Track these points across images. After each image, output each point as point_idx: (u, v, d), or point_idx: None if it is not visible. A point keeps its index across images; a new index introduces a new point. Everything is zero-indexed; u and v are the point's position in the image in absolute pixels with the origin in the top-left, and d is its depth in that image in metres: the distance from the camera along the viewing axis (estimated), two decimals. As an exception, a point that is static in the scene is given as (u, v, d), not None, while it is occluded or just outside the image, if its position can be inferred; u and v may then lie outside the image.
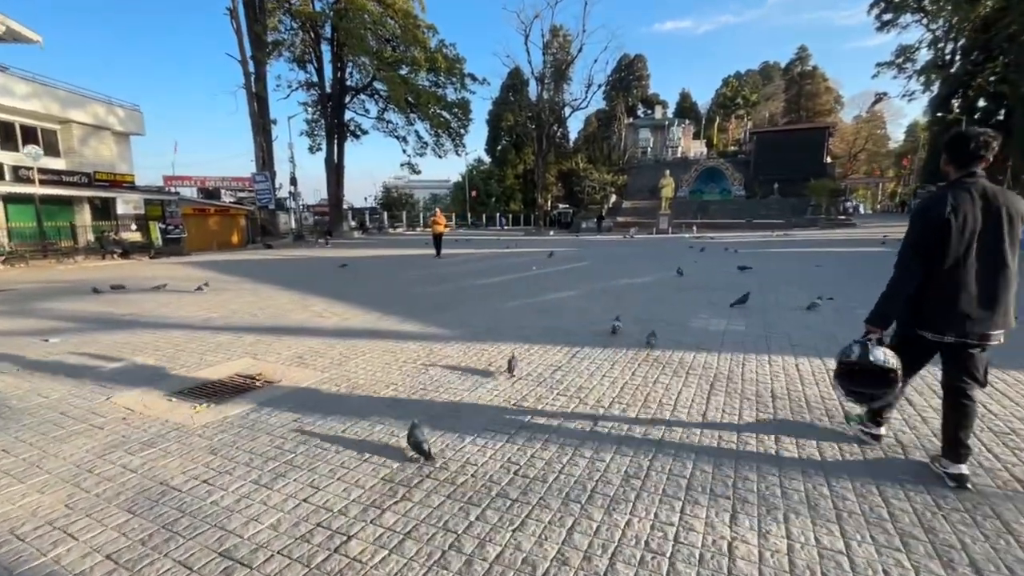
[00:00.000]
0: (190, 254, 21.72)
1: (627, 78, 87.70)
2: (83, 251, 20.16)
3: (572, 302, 7.69)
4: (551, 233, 38.05)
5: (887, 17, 52.96)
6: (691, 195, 48.85)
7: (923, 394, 3.61)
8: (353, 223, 42.68)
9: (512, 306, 7.51)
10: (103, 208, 23.64)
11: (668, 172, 35.93)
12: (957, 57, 44.88)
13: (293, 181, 32.21)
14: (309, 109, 38.94)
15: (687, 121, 75.00)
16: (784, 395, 3.67)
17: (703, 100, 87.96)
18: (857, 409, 3.01)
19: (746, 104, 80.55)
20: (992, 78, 40.05)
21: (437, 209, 18.42)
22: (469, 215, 55.18)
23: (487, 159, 64.51)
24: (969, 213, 2.30)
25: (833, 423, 3.19)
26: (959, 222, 2.30)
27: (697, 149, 68.74)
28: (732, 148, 67.03)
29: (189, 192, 37.09)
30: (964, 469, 2.45)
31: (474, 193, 56.93)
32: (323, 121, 36.51)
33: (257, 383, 4.15)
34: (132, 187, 24.82)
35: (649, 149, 69.21)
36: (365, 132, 41.97)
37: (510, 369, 4.26)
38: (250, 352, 5.11)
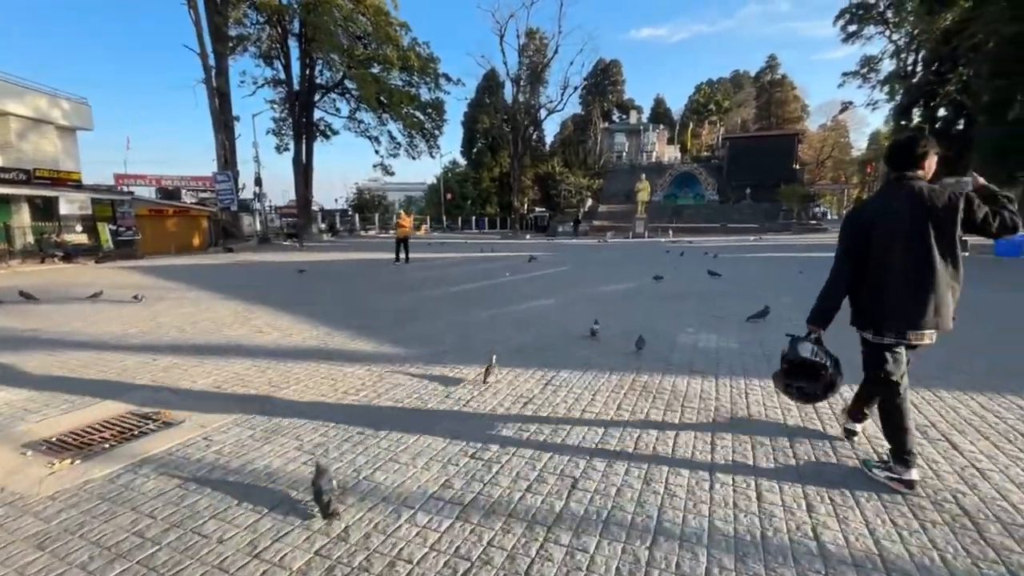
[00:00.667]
0: (144, 257, 20.28)
1: (603, 83, 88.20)
2: (20, 254, 18.52)
3: (550, 313, 6.99)
4: (527, 237, 37.46)
5: (852, 28, 54.48)
6: (665, 199, 49.12)
7: (959, 429, 3.03)
8: (323, 225, 41.25)
9: (484, 318, 6.76)
10: (45, 208, 21.86)
11: (644, 176, 35.81)
12: (919, 67, 46.32)
13: (258, 181, 30.77)
14: (276, 107, 37.40)
15: (661, 126, 75.69)
16: (800, 431, 3.03)
17: (676, 106, 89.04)
18: (873, 456, 2.75)
19: (718, 110, 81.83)
20: (952, 88, 41.40)
21: (401, 211, 16.37)
22: (445, 218, 54.28)
23: (463, 161, 63.72)
24: (895, 216, 2.36)
25: (869, 471, 2.54)
26: (883, 225, 2.37)
27: (671, 154, 69.35)
28: (705, 153, 67.90)
29: (146, 192, 35.11)
30: (915, 474, 2.44)
31: (449, 196, 56.03)
32: (291, 120, 35.09)
33: (152, 424, 3.29)
34: (78, 185, 23.07)
35: (624, 153, 69.51)
36: (336, 132, 40.65)
37: (486, 377, 3.84)
38: (159, 380, 4.22)
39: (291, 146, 35.62)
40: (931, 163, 2.43)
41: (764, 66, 70.87)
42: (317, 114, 38.46)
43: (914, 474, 2.41)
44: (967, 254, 15.44)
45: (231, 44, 32.11)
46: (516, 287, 9.76)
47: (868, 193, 72.18)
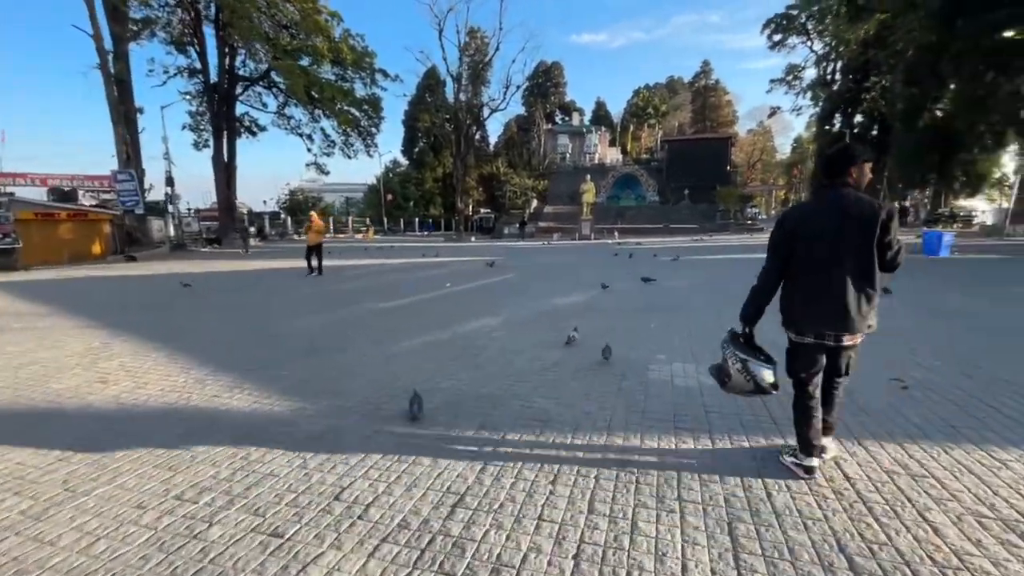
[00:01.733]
0: (27, 269, 17.21)
1: (545, 84, 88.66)
2: None
3: (496, 337, 5.82)
4: (472, 239, 36.21)
5: (777, 38, 57.50)
6: (609, 201, 49.66)
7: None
8: (252, 229, 38.00)
9: (414, 346, 5.50)
10: None
11: (589, 177, 35.53)
12: (838, 76, 49.43)
13: (169, 181, 27.50)
14: (193, 100, 33.95)
15: (603, 128, 76.82)
16: (862, 555, 2.05)
17: (616, 109, 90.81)
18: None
19: (656, 114, 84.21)
20: (869, 96, 44.34)
21: (312, 213, 14.77)
22: (386, 220, 51.97)
23: (405, 161, 61.49)
24: (818, 220, 2.48)
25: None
26: (807, 228, 2.50)
27: (613, 156, 70.42)
28: (645, 156, 69.51)
29: (34, 193, 30.62)
30: (815, 461, 2.65)
31: (390, 197, 53.72)
32: (209, 114, 31.89)
33: None
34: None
35: (568, 155, 69.86)
36: (263, 128, 37.63)
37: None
38: None
39: (211, 143, 32.42)
40: (860, 172, 2.49)
41: (699, 71, 73.58)
42: (241, 108, 35.39)
43: (814, 462, 2.65)
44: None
45: (135, 27, 28.75)
46: (457, 301, 8.53)
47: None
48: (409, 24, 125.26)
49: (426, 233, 52.96)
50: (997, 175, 29.66)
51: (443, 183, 58.22)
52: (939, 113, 30.51)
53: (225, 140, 32.56)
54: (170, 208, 28.31)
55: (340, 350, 5.40)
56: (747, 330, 2.77)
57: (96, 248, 23.20)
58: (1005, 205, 26.40)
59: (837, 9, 39.04)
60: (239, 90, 33.64)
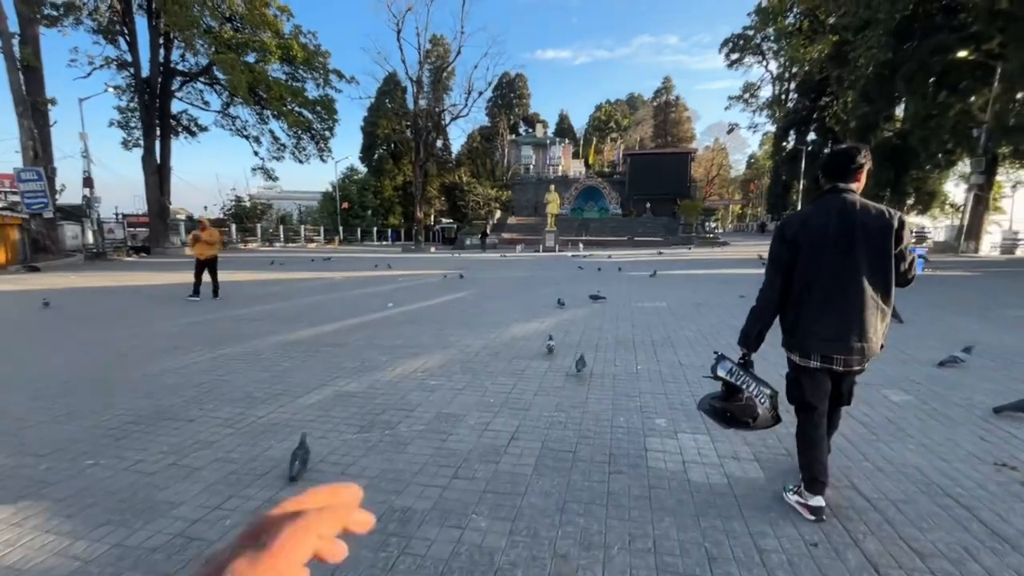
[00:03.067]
0: None
1: (508, 95, 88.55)
2: None
3: (431, 389, 4.32)
4: (432, 250, 34.53)
5: (735, 56, 59.16)
6: (572, 212, 49.31)
7: None
8: (187, 237, 34.92)
9: (310, 407, 3.91)
10: None
11: (553, 187, 34.61)
12: (793, 95, 51.09)
13: (88, 182, 24.55)
14: (123, 94, 30.92)
15: (567, 141, 76.95)
16: None
17: (579, 123, 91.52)
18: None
19: (618, 128, 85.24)
20: (822, 115, 45.78)
21: (203, 218, 11.89)
22: (341, 230, 49.45)
23: (363, 168, 59.20)
24: (823, 229, 2.23)
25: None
26: (810, 238, 2.25)
27: (576, 168, 70.41)
28: (607, 169, 69.69)
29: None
30: (821, 501, 2.34)
31: (346, 205, 51.29)
32: (140, 110, 28.99)
33: None
34: None
35: (531, 166, 69.43)
36: (204, 128, 34.78)
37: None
38: None
39: (142, 142, 29.46)
40: (864, 177, 2.31)
41: (660, 87, 74.89)
42: (179, 106, 32.59)
43: (820, 500, 2.32)
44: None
45: (57, 12, 25.87)
46: (394, 329, 6.96)
47: (751, 209, 78.98)
48: (366, 26, 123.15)
49: (384, 243, 50.80)
50: (946, 193, 30.65)
51: (403, 191, 56.27)
52: (889, 131, 31.39)
53: (158, 139, 29.73)
54: (91, 213, 25.29)
55: (193, 416, 3.74)
56: (746, 356, 2.46)
57: (1, 256, 20.29)
58: (955, 222, 27.08)
59: (796, 29, 40.24)
60: (176, 85, 30.93)
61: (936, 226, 30.91)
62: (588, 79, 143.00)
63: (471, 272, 16.10)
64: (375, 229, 54.01)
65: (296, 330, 6.84)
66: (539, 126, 79.96)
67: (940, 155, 23.64)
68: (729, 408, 2.42)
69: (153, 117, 28.82)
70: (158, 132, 29.57)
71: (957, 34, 22.23)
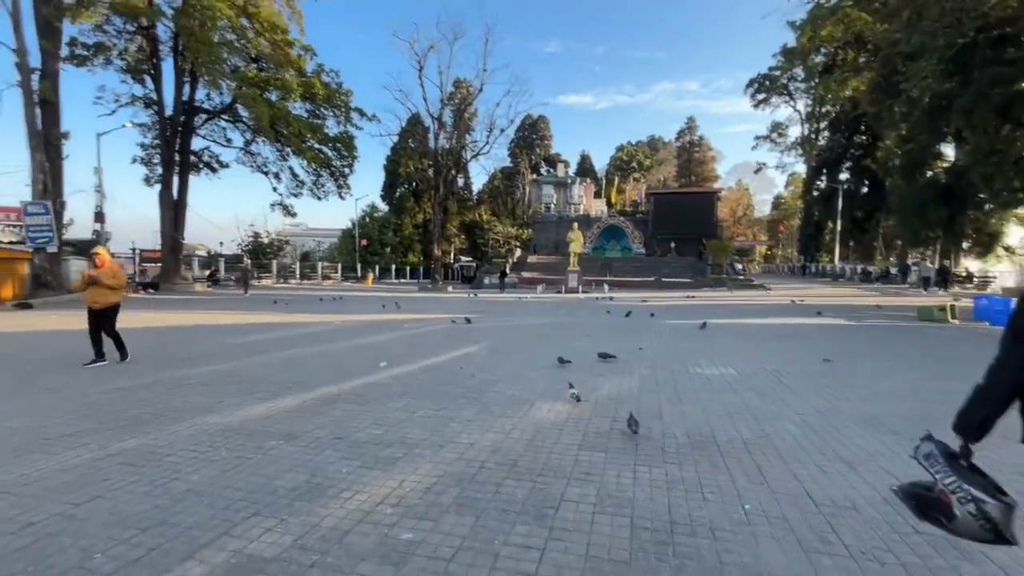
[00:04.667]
0: None
1: (530, 137, 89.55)
2: None
3: (407, 559, 2.48)
4: (450, 289, 33.00)
5: (760, 97, 58.33)
6: (594, 252, 48.00)
7: None
8: (202, 274, 34.31)
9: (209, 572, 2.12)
10: None
11: (576, 225, 33.17)
12: (824, 134, 49.54)
13: (99, 217, 24.07)
14: (147, 132, 31.11)
15: (588, 180, 76.56)
16: None
17: (600, 163, 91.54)
18: None
19: (640, 168, 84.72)
20: (857, 152, 43.89)
21: (99, 250, 8.05)
22: (359, 267, 48.73)
23: (383, 206, 59.20)
24: None
25: None
26: None
27: (598, 208, 69.64)
28: (630, 208, 68.53)
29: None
30: None
31: (364, 242, 50.77)
32: (162, 146, 28.89)
33: None
34: None
35: (552, 205, 68.93)
36: (225, 165, 34.76)
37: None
38: None
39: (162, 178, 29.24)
40: None
41: (684, 127, 74.42)
42: (201, 143, 32.67)
43: None
44: (957, 322, 13.06)
45: (88, 52, 26.34)
46: (374, 406, 5.18)
47: (780, 250, 76.26)
48: (389, 64, 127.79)
49: (403, 281, 49.83)
50: (1011, 234, 28.07)
51: (423, 229, 55.75)
52: (942, 167, 29.27)
53: (177, 175, 29.52)
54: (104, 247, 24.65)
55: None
56: (966, 447, 1.81)
57: (9, 291, 19.67)
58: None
59: (829, 65, 39.04)
60: (199, 122, 30.99)
61: (1005, 270, 28.14)
62: (610, 123, 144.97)
63: (488, 317, 14.35)
64: (394, 267, 53.27)
65: (245, 405, 5.10)
66: (560, 166, 79.99)
67: (1006, 192, 21.44)
68: (922, 496, 1.85)
69: (173, 153, 28.67)
70: (177, 168, 29.43)
71: (1017, 66, 20.46)
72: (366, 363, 7.30)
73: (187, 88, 29.12)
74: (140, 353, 7.85)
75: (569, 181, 70.43)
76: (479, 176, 74.85)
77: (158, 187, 29.16)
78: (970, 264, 30.39)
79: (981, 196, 25.61)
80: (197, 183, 33.11)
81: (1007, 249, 31.27)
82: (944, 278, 20.74)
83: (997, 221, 27.04)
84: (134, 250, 31.30)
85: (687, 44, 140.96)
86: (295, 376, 6.45)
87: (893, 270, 33.51)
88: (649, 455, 3.71)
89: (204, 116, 31.23)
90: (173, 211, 28.64)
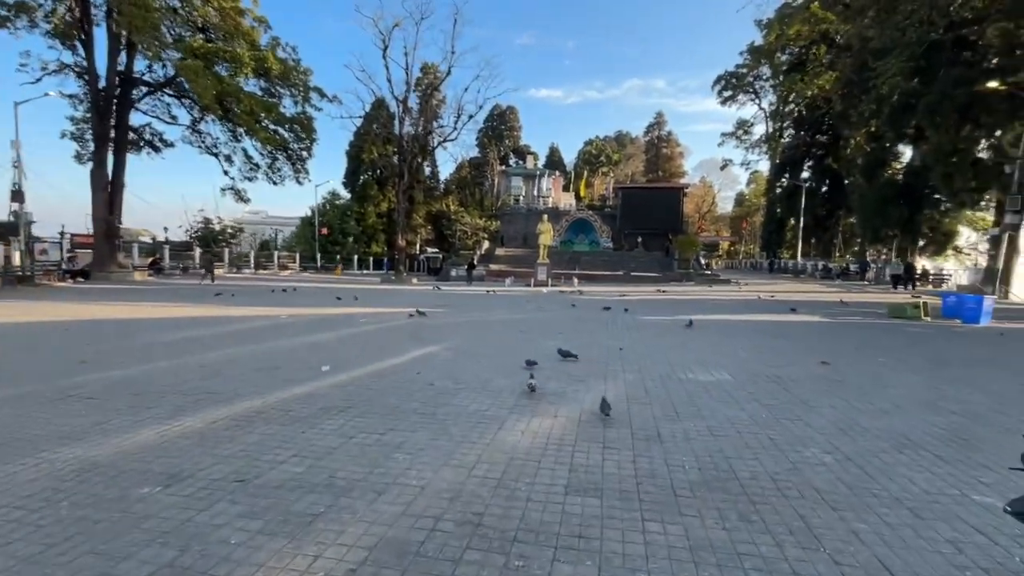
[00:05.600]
0: None
1: (499, 127, 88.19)
2: None
3: None
4: (414, 281, 31.61)
5: (727, 94, 58.96)
6: (562, 245, 47.53)
7: None
8: (144, 262, 31.60)
9: None
10: None
11: (546, 217, 32.36)
12: (789, 132, 50.44)
13: (17, 196, 21.49)
14: (79, 104, 28.26)
15: (557, 173, 76.01)
16: None
17: (570, 157, 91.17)
18: None
19: (609, 162, 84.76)
20: (818, 152, 44.83)
21: None
22: (319, 257, 46.52)
23: (346, 193, 56.74)
24: None
25: None
26: None
27: (566, 201, 69.29)
28: (598, 202, 68.46)
29: None
30: None
31: (324, 231, 48.48)
32: (93, 120, 26.21)
33: None
34: None
35: (521, 197, 68.14)
36: (169, 144, 32.08)
37: None
38: None
39: (93, 155, 26.55)
40: None
41: (652, 122, 74.70)
42: (142, 119, 29.96)
43: None
44: (928, 319, 12.91)
45: (8, 11, 23.53)
46: (301, 427, 4.12)
47: (743, 246, 77.95)
48: (352, 43, 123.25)
49: (365, 272, 47.91)
50: (965, 233, 29.04)
51: (387, 219, 53.72)
52: (900, 168, 29.97)
53: (112, 153, 26.92)
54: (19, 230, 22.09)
55: None
56: None
57: None
58: (979, 264, 25.24)
59: (794, 64, 39.54)
60: (138, 96, 28.33)
61: (957, 269, 29.09)
62: (579, 117, 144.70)
63: (453, 312, 13.28)
64: (356, 257, 51.19)
65: (129, 428, 3.92)
66: (530, 158, 79.12)
67: (965, 193, 21.94)
68: None
69: (107, 128, 26.06)
70: (112, 145, 26.82)
71: (976, 68, 20.83)
72: (306, 367, 6.16)
73: (124, 57, 26.54)
74: (26, 354, 6.44)
75: (538, 173, 69.71)
76: (447, 164, 72.96)
77: (91, 165, 26.49)
78: (924, 262, 31.37)
79: (937, 196, 26.26)
80: (138, 163, 30.51)
81: (956, 249, 32.49)
82: (911, 276, 21.10)
83: (951, 221, 27.89)
84: (62, 234, 28.43)
85: (656, 42, 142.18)
86: (212, 385, 5.26)
87: (852, 267, 34.32)
88: (659, 502, 2.82)
89: (144, 89, 28.57)
90: (107, 192, 26.09)
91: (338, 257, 47.37)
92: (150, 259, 32.24)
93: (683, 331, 9.49)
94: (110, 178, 26.43)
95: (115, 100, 26.27)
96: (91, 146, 27.11)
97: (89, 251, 27.82)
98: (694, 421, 4.29)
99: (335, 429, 3.98)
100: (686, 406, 4.74)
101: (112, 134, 26.64)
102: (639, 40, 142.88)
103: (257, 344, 7.80)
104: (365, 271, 48.85)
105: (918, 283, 21.25)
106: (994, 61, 20.65)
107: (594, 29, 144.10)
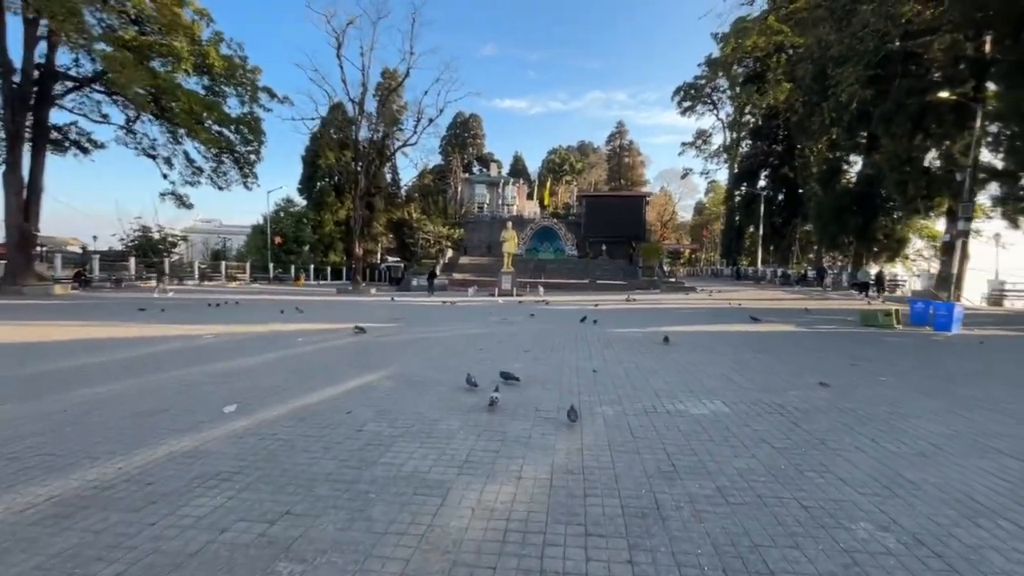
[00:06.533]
0: None
1: (462, 135, 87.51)
2: None
3: None
4: (373, 291, 29.97)
5: (686, 105, 60.15)
6: (527, 253, 47.11)
7: None
8: (64, 272, 28.62)
9: None
10: None
11: (511, 225, 31.47)
12: (747, 142, 51.71)
13: (-94, 199, 18.77)
14: (-10, 99, 25.33)
15: (521, 181, 75.69)
16: None
17: (534, 166, 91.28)
18: None
19: (572, 171, 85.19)
20: (774, 161, 45.96)
21: None
22: (272, 267, 44.03)
23: (301, 200, 54.25)
24: None
25: None
26: None
27: (531, 209, 69.00)
28: (562, 211, 68.45)
29: None
30: None
31: (278, 240, 46.00)
32: (6, 117, 23.50)
33: None
34: None
35: (485, 205, 67.40)
36: (100, 145, 29.33)
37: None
38: None
39: (6, 157, 23.79)
40: None
41: (614, 131, 75.45)
42: (67, 117, 27.27)
43: None
44: (901, 327, 12.61)
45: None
46: (146, 528, 2.90)
47: (704, 254, 79.58)
48: (306, 41, 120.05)
49: (322, 282, 45.70)
50: (916, 240, 29.94)
51: (346, 227, 51.58)
52: (854, 177, 30.72)
53: (29, 154, 24.25)
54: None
55: None
56: None
57: None
58: (932, 271, 25.94)
59: (751, 76, 40.44)
60: (61, 91, 25.73)
61: (911, 275, 29.92)
62: (543, 127, 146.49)
63: (406, 327, 12.03)
64: (312, 267, 48.86)
65: None
66: (493, 166, 78.58)
67: (919, 200, 22.47)
68: None
69: (22, 127, 23.42)
70: (30, 145, 24.16)
71: (924, 79, 21.41)
72: (205, 408, 4.85)
73: (43, 47, 24.03)
74: None
75: (502, 181, 69.16)
76: (407, 170, 71.32)
77: (2, 168, 23.73)
78: (876, 269, 32.22)
79: (891, 204, 26.92)
80: (63, 165, 27.75)
81: (905, 257, 33.63)
82: (882, 283, 21.27)
83: (903, 228, 28.73)
84: (-29, 243, 25.36)
85: (617, 57, 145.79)
86: (58, 441, 3.91)
87: (810, 273, 34.99)
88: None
89: (70, 84, 26.00)
90: (22, 197, 23.40)
91: (296, 267, 45.04)
92: (75, 271, 29.27)
93: (660, 347, 8.61)
94: (26, 181, 23.72)
95: (33, 96, 23.68)
96: (2, 146, 24.34)
97: (1, 262, 24.90)
98: (699, 479, 3.30)
99: (203, 516, 2.76)
100: (684, 454, 3.75)
101: (28, 133, 23.99)
102: (601, 54, 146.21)
103: (154, 375, 6.37)
104: (322, 281, 46.60)
105: (885, 291, 21.47)
106: (936, 75, 21.30)
107: (557, 42, 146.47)
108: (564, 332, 10.97)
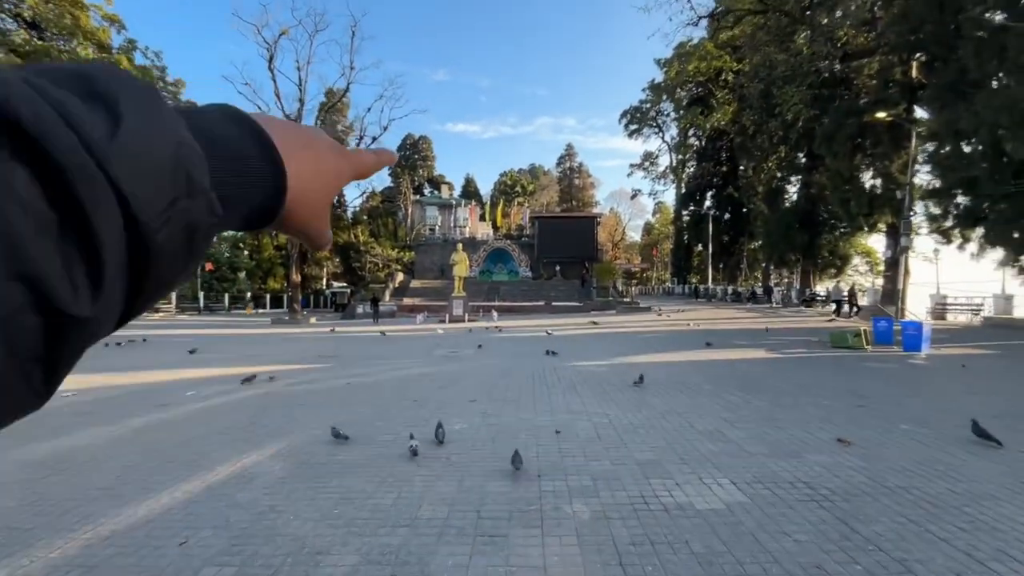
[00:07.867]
0: None
1: (412, 157, 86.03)
2: None
3: None
4: (312, 320, 27.48)
5: (633, 127, 61.53)
6: (481, 275, 45.80)
7: None
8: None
9: None
10: None
11: (461, 246, 30.00)
12: (691, 164, 53.14)
13: None
14: None
15: (473, 203, 74.77)
16: None
17: (485, 188, 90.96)
18: None
19: (524, 192, 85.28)
20: (718, 181, 47.24)
21: None
22: (203, 296, 40.38)
23: (235, 224, 50.57)
24: None
25: None
26: None
27: (484, 230, 67.91)
28: (515, 232, 67.84)
29: None
30: None
31: (209, 266, 42.37)
32: None
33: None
34: None
35: (437, 227, 65.75)
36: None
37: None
38: None
39: None
40: None
41: (564, 153, 76.22)
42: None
43: None
44: (870, 348, 12.01)
45: None
46: None
47: (655, 273, 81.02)
48: (237, 55, 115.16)
49: (262, 311, 42.28)
50: (854, 256, 30.86)
51: (287, 252, 48.49)
52: (797, 196, 31.52)
53: None
54: None
55: None
56: None
57: None
58: (877, 286, 26.56)
59: (694, 99, 41.55)
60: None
61: (859, 290, 30.76)
62: (494, 150, 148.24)
63: (334, 367, 10.17)
64: (249, 294, 45.37)
65: None
66: (445, 188, 77.36)
67: (861, 217, 22.94)
68: None
69: None
70: None
71: (859, 101, 22.07)
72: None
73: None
74: None
75: (454, 203, 67.89)
76: (352, 191, 68.56)
77: None
78: (824, 285, 33.10)
79: (834, 221, 27.57)
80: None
81: (845, 273, 34.77)
82: (852, 302, 21.17)
83: (845, 244, 29.57)
84: None
85: (566, 83, 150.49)
86: None
87: (758, 291, 35.51)
88: None
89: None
90: None
91: (247, 296, 41.60)
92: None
93: (634, 392, 7.27)
94: None
95: None
96: None
97: None
98: None
99: None
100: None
101: None
102: (548, 82, 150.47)
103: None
104: (260, 311, 43.17)
105: (858, 308, 21.40)
106: (867, 99, 22.00)
107: (507, 69, 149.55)
108: (518, 369, 9.50)
